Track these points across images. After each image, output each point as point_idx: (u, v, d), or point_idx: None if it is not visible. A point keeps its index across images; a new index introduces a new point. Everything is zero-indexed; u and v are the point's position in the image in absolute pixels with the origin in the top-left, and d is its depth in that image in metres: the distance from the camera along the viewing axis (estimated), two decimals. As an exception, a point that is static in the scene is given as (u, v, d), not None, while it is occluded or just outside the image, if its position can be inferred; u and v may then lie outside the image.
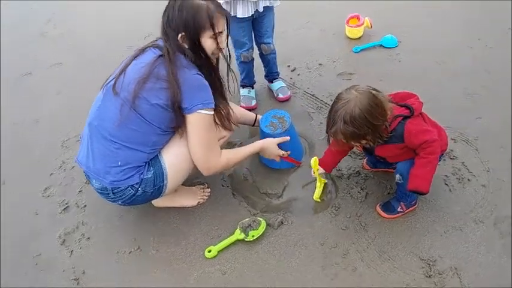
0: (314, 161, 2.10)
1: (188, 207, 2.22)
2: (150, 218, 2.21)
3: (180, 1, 1.79)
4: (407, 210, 2.04)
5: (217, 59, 2.04)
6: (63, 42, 4.08)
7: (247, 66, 2.75)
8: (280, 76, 2.94)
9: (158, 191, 1.96)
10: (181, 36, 1.82)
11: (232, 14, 2.41)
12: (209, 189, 2.30)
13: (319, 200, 2.19)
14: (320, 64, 3.15)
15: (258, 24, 2.57)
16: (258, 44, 2.69)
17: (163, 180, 1.93)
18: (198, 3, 1.79)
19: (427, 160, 1.79)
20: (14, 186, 2.56)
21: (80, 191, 2.42)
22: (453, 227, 1.98)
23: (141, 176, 1.88)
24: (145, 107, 1.81)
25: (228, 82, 2.08)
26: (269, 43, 2.66)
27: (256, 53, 2.74)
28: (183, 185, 2.25)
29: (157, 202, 2.21)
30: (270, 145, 2.20)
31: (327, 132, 1.87)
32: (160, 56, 1.83)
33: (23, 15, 4.74)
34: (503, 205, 2.03)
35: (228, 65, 2.06)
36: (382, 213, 2.05)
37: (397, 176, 1.91)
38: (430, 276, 1.81)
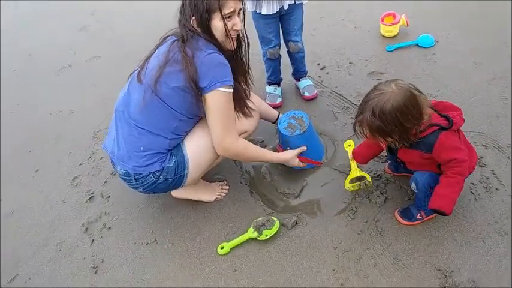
0: (349, 145, 2.22)
1: (205, 203, 2.25)
2: (169, 211, 2.25)
3: None
4: (427, 218, 1.97)
5: (239, 42, 2.05)
6: (103, 36, 4.25)
7: (273, 63, 2.73)
8: (308, 74, 2.91)
9: (179, 180, 1.99)
10: (193, 21, 1.85)
11: (258, 11, 2.41)
12: (228, 187, 2.31)
13: (347, 187, 2.17)
14: (350, 63, 3.08)
15: (285, 22, 2.54)
16: (286, 42, 2.66)
17: (185, 169, 1.97)
18: None
19: (455, 180, 1.70)
20: (47, 174, 2.69)
21: (105, 182, 2.50)
22: (475, 238, 1.88)
23: (163, 164, 1.93)
24: (166, 91, 1.84)
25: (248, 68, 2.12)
26: (297, 41, 2.62)
27: (284, 50, 2.72)
28: (203, 180, 2.29)
29: (176, 193, 2.25)
30: (288, 158, 2.22)
31: (355, 119, 1.77)
32: (177, 40, 1.86)
33: (69, 8, 4.95)
34: (531, 218, 1.92)
35: (248, 46, 2.07)
36: (401, 220, 1.99)
37: (412, 185, 1.85)
38: (445, 288, 1.74)
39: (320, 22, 3.62)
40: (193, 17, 1.84)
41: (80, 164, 2.69)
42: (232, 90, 1.89)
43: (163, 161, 1.94)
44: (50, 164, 2.75)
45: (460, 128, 1.79)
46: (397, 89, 1.62)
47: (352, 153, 2.14)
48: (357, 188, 2.17)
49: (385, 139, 1.72)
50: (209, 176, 2.36)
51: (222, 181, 2.35)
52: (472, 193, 2.06)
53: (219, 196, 2.27)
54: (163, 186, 2.00)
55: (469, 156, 1.78)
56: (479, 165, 2.17)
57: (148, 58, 1.94)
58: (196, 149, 1.99)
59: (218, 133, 1.93)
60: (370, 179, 2.16)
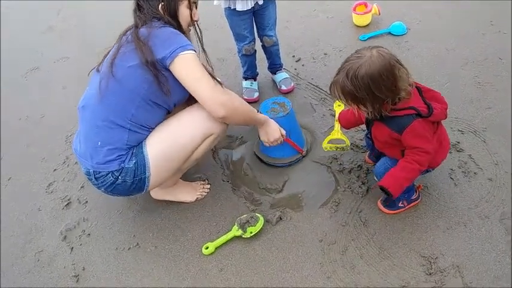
0: (339, 105, 2.16)
1: (187, 203, 2.21)
2: (150, 214, 2.20)
3: None
4: (409, 206, 1.98)
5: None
6: (71, 36, 4.12)
7: (249, 59, 2.69)
8: (284, 67, 2.89)
9: (140, 183, 1.88)
10: (161, 6, 1.85)
11: (232, 7, 2.36)
12: (209, 185, 2.28)
13: (324, 145, 2.20)
14: (325, 54, 3.07)
15: (259, 17, 2.50)
16: (260, 37, 2.63)
17: (145, 172, 1.86)
18: None
19: (411, 167, 1.69)
20: (20, 182, 2.59)
21: (81, 187, 2.43)
22: (457, 223, 1.91)
23: (122, 164, 1.83)
24: (122, 71, 1.79)
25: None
26: (271, 36, 2.59)
27: (258, 44, 2.69)
28: (183, 179, 2.24)
29: (156, 194, 2.20)
30: (272, 124, 2.13)
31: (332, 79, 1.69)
32: (130, 30, 1.86)
33: (34, 8, 4.78)
34: (510, 200, 1.95)
35: (201, 41, 2.06)
36: (383, 209, 2.00)
37: (375, 177, 1.88)
38: (430, 274, 1.75)
39: (293, 14, 3.59)
40: (162, 3, 1.84)
41: (54, 170, 2.60)
42: (195, 52, 1.83)
43: (123, 160, 1.83)
44: (23, 172, 2.65)
45: (441, 122, 1.78)
46: (376, 55, 1.56)
47: (339, 114, 2.09)
48: (333, 149, 2.21)
49: (357, 106, 1.66)
50: (189, 175, 2.32)
51: (203, 180, 2.31)
52: (452, 178, 2.08)
53: (200, 195, 2.23)
54: (123, 187, 1.89)
55: (437, 152, 1.77)
56: (457, 151, 2.21)
57: (107, 54, 1.92)
58: (159, 152, 1.88)
59: (207, 92, 1.82)
60: (348, 144, 2.18)
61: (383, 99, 1.60)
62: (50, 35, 4.20)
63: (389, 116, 1.67)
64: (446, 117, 1.73)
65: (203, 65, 1.87)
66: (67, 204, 2.36)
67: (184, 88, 1.85)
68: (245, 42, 2.56)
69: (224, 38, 3.15)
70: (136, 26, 1.84)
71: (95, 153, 1.83)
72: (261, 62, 2.86)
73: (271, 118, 2.18)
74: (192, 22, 1.96)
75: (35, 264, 2.10)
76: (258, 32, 2.61)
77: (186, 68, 1.80)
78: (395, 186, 1.71)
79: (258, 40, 2.66)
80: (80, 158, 1.92)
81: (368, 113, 1.68)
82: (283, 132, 2.18)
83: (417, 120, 1.64)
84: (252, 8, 2.37)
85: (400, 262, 1.81)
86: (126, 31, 1.89)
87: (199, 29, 2.05)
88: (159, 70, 1.78)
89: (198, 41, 2.04)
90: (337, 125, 2.17)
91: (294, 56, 3.11)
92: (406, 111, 1.64)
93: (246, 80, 2.83)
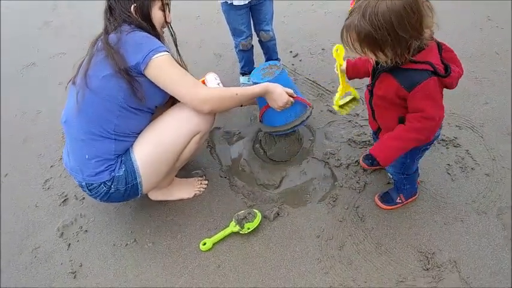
0: (337, 50, 1.77)
1: (185, 199, 2.20)
2: (147, 210, 2.20)
3: None
4: (407, 201, 1.98)
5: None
6: (67, 31, 4.10)
7: (246, 54, 2.68)
8: (281, 62, 2.88)
9: (133, 188, 1.88)
10: (134, 8, 1.82)
11: (229, 2, 2.35)
12: (207, 181, 2.27)
13: (337, 109, 1.90)
14: (323, 49, 3.07)
15: (256, 12, 2.49)
16: (257, 31, 2.62)
17: (136, 178, 1.86)
18: None
19: (408, 137, 1.52)
20: (17, 178, 2.58)
21: (79, 183, 2.42)
22: (454, 218, 1.92)
23: (112, 173, 1.83)
24: (96, 82, 1.76)
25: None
26: (268, 30, 2.58)
27: (255, 39, 2.68)
28: (180, 176, 2.24)
29: (153, 195, 2.19)
30: (276, 88, 1.99)
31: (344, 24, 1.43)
32: (101, 36, 1.84)
33: (30, 4, 4.76)
34: (507, 195, 1.96)
35: (175, 42, 2.08)
36: (381, 204, 2.00)
37: (389, 175, 1.85)
38: (427, 269, 1.76)
39: (290, 9, 3.58)
40: (134, 4, 1.82)
41: (51, 166, 2.59)
42: (168, 53, 1.81)
43: (113, 170, 1.83)
44: (20, 168, 2.64)
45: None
46: None
47: (347, 62, 1.82)
48: (348, 110, 1.93)
49: (375, 54, 1.41)
50: (187, 171, 2.32)
51: (201, 176, 2.31)
52: (449, 174, 2.09)
53: (198, 191, 2.22)
54: (117, 195, 1.89)
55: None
56: (454, 146, 2.21)
57: (81, 64, 1.88)
58: (147, 157, 1.86)
59: (187, 92, 1.82)
60: (358, 96, 1.93)
61: (407, 41, 1.35)
62: (45, 31, 4.18)
63: (401, 68, 1.45)
64: (455, 87, 1.50)
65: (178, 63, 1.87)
66: (64, 200, 2.35)
67: (162, 91, 1.84)
68: (242, 37, 2.55)
69: (221, 34, 3.14)
70: (106, 32, 1.81)
71: (84, 166, 1.83)
72: (258, 57, 2.85)
73: (271, 80, 2.05)
74: (166, 24, 1.96)
75: (32, 261, 2.09)
76: (254, 26, 2.60)
77: (162, 71, 1.78)
78: (386, 157, 1.58)
79: (255, 35, 2.65)
80: (71, 172, 1.91)
81: (386, 62, 1.44)
82: (289, 90, 2.05)
83: (432, 79, 1.42)
84: (249, 2, 2.36)
85: (397, 257, 1.82)
86: (96, 39, 1.86)
87: (173, 31, 2.06)
88: (132, 77, 1.75)
89: (174, 43, 2.07)
90: (342, 78, 1.86)
91: (291, 52, 3.10)
92: (423, 66, 1.42)
93: (243, 75, 2.82)
